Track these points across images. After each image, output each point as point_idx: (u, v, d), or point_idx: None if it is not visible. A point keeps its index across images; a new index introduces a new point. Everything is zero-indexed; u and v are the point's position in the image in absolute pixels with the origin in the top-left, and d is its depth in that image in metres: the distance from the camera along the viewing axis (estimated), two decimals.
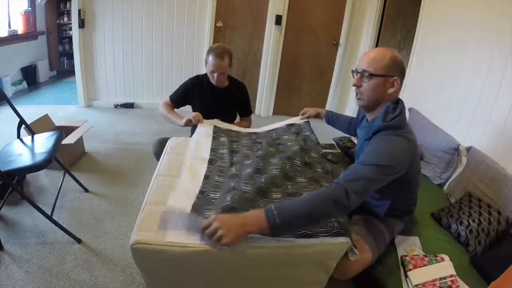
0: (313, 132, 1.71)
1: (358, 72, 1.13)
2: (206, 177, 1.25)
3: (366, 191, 0.96)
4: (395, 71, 1.08)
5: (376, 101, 1.12)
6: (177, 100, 1.96)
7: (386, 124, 1.05)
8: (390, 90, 1.10)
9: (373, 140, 1.07)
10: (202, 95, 1.95)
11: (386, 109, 1.09)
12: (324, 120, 1.78)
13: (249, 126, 2.09)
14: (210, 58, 1.80)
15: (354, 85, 1.14)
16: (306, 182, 1.24)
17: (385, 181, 0.99)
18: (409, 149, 1.05)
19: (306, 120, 1.81)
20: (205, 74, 1.96)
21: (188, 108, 2.02)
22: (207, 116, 1.85)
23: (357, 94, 1.15)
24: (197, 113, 1.73)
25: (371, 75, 1.08)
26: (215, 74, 1.83)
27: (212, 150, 1.47)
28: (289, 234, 0.94)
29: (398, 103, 1.13)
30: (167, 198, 1.13)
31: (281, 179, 1.24)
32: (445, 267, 1.16)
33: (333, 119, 1.73)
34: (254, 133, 1.77)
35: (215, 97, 1.95)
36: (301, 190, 1.19)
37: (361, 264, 1.10)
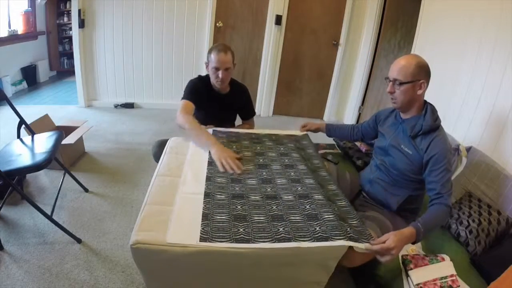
0: (311, 143, 1.72)
1: (390, 80, 1.28)
2: (208, 178, 1.27)
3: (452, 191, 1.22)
4: (421, 75, 1.23)
5: (408, 102, 1.28)
6: (192, 96, 1.69)
7: (435, 124, 1.25)
8: (419, 92, 1.25)
9: (432, 144, 1.22)
10: (204, 98, 1.80)
11: (432, 111, 1.28)
12: (325, 134, 1.80)
13: (251, 129, 2.02)
14: (213, 54, 1.68)
15: (388, 92, 1.29)
16: (314, 184, 1.29)
17: None
18: (448, 140, 1.27)
19: (305, 133, 1.80)
20: (207, 77, 1.82)
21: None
22: (206, 120, 1.79)
23: (392, 99, 1.31)
24: (234, 161, 1.34)
25: (401, 83, 1.24)
26: (220, 72, 1.68)
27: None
28: None
29: (431, 104, 1.31)
30: (167, 198, 1.14)
31: (289, 183, 1.29)
32: (445, 267, 1.16)
33: (334, 130, 1.79)
34: (254, 133, 1.78)
35: (216, 103, 1.83)
36: (311, 192, 1.23)
37: (369, 254, 1.12)
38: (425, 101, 1.32)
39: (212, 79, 1.77)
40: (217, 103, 1.84)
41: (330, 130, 1.78)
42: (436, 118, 1.26)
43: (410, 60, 1.24)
